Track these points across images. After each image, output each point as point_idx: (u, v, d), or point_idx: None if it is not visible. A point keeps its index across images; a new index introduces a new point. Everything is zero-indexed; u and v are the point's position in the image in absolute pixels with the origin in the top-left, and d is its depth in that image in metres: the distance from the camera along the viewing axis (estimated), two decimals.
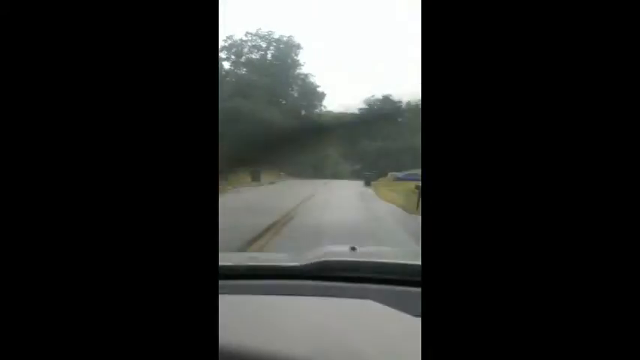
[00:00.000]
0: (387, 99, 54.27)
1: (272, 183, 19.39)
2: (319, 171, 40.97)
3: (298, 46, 40.74)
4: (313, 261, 1.02)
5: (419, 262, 0.84)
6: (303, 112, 42.80)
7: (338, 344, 0.64)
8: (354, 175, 47.56)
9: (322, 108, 45.10)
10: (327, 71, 63.00)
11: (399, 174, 28.09)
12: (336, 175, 41.18)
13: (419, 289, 0.67)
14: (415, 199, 12.20)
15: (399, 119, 54.78)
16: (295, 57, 41.11)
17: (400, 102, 54.11)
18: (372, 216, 9.87)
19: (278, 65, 39.69)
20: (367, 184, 23.53)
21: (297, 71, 41.96)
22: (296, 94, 43.13)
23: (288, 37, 40.21)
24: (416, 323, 0.60)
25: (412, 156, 43.85)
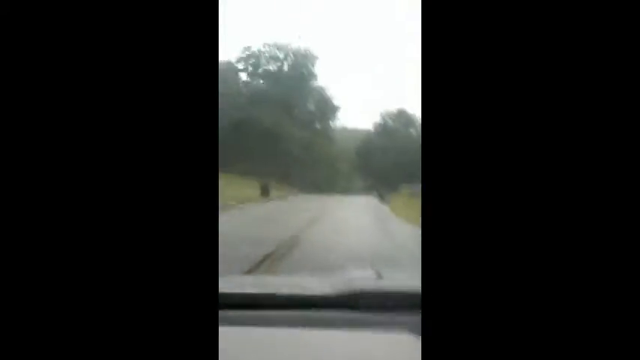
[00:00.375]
0: (401, 112, 53.92)
1: (282, 198, 18.67)
2: (330, 185, 40.52)
3: (315, 57, 40.53)
4: (342, 289, 0.90)
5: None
6: (317, 126, 42.43)
7: None
8: (366, 190, 47.08)
9: (337, 121, 44.79)
10: (342, 83, 62.79)
11: (417, 188, 27.37)
12: (348, 190, 40.62)
13: None
14: None
15: (413, 131, 54.38)
16: (312, 68, 40.85)
17: (414, 114, 54.08)
18: (392, 242, 8.17)
19: (294, 77, 39.43)
20: (381, 199, 22.83)
21: (313, 83, 41.68)
22: (311, 107, 42.78)
23: (305, 48, 40.09)
24: None
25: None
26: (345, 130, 51.67)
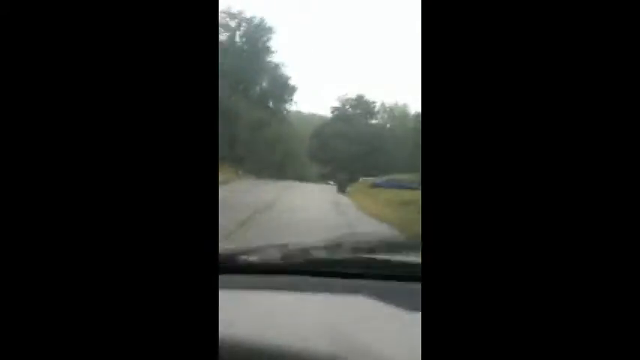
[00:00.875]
0: (360, 99, 50.98)
1: (224, 183, 15.13)
2: (282, 171, 37.10)
3: (270, 30, 36.60)
4: (299, 259, 0.99)
5: (406, 257, 1.00)
6: (271, 106, 38.70)
7: (350, 341, 0.63)
8: (322, 179, 44.10)
9: (292, 103, 41.20)
10: (299, 63, 59.08)
11: (378, 180, 24.58)
12: (302, 177, 37.38)
13: (407, 284, 0.82)
14: (412, 215, 8.70)
15: (373, 121, 51.97)
16: (266, 42, 36.94)
17: (374, 103, 51.29)
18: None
19: (247, 50, 35.42)
20: (341, 189, 19.51)
21: (268, 59, 37.78)
22: (265, 84, 38.94)
23: (261, 18, 35.99)
24: (409, 317, 0.67)
25: (386, 160, 41.02)
26: (300, 114, 48.40)
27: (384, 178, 25.39)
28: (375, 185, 23.74)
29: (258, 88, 38.43)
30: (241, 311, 0.74)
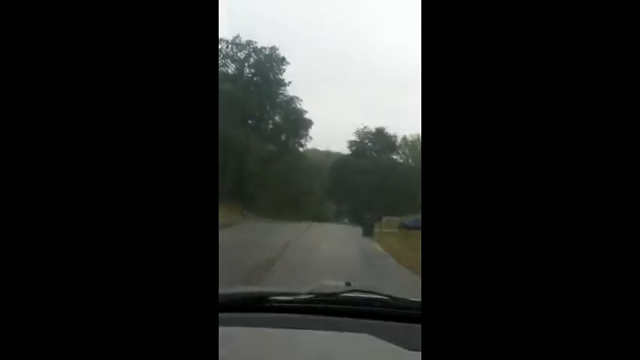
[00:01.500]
0: (380, 132, 48.22)
1: (225, 227, 11.91)
2: (296, 211, 34.05)
3: (283, 61, 34.36)
4: (309, 296, 1.03)
5: (412, 297, 1.03)
6: (284, 139, 35.97)
7: None
8: (341, 217, 40.81)
9: (308, 139, 38.36)
10: (315, 95, 56.86)
11: (408, 221, 21.23)
12: (319, 217, 34.14)
13: (412, 324, 0.86)
14: None
15: (394, 156, 48.94)
16: (279, 74, 34.65)
17: (395, 136, 48.37)
18: None
19: (257, 82, 33.11)
20: (367, 232, 15.90)
21: (281, 91, 35.37)
22: (277, 119, 36.37)
23: (272, 48, 33.80)
24: (411, 357, 0.72)
25: (409, 198, 37.66)
26: (316, 151, 45.52)
27: (413, 217, 21.94)
28: (404, 226, 20.26)
29: (270, 122, 35.86)
30: (245, 347, 0.78)
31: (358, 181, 38.96)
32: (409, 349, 0.75)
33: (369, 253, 10.67)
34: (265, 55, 33.59)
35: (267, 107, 34.29)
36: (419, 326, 0.58)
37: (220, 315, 0.60)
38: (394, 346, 0.77)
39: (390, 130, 44.78)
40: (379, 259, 9.84)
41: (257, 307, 0.99)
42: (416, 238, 12.69)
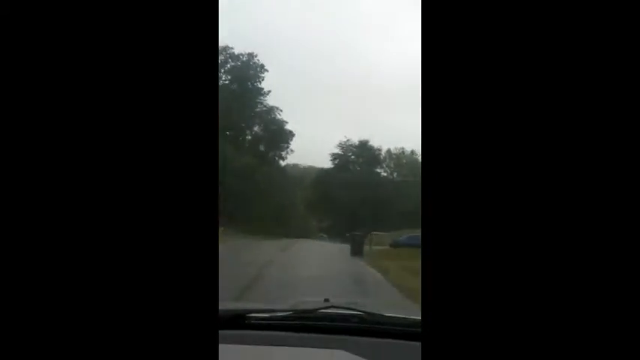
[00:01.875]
0: (364, 145, 46.60)
1: None
2: (279, 226, 32.00)
3: (262, 69, 32.76)
4: (286, 313, 1.04)
5: (386, 312, 1.05)
6: (263, 150, 34.10)
7: None
8: (326, 233, 38.91)
9: (289, 151, 36.50)
10: (296, 106, 55.01)
11: (402, 238, 19.36)
12: (302, 233, 32.26)
13: (386, 340, 0.91)
14: None
15: (379, 169, 47.43)
16: (258, 82, 32.97)
17: (379, 149, 46.72)
18: None
19: (235, 90, 31.32)
20: (357, 251, 13.99)
21: (259, 100, 33.64)
22: (257, 129, 34.57)
23: (250, 54, 32.16)
24: None
25: (395, 213, 36.02)
26: (297, 167, 43.71)
27: (404, 234, 20.19)
28: (395, 244, 18.48)
29: (248, 133, 34.03)
30: None
31: (342, 195, 37.23)
32: None
33: (360, 276, 8.78)
34: (243, 62, 31.96)
35: (245, 117, 32.46)
36: (394, 341, 0.67)
37: None
38: None
39: (374, 143, 43.44)
40: (372, 283, 8.00)
41: (235, 324, 0.99)
42: (410, 258, 10.76)
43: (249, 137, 34.12)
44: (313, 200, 38.97)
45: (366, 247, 14.99)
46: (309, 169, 44.86)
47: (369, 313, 1.03)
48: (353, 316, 1.01)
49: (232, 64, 31.72)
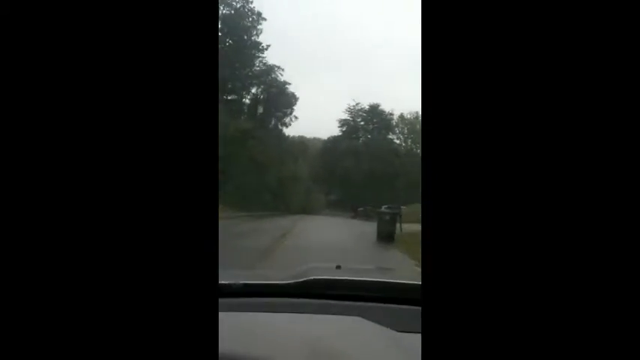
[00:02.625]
0: (374, 110, 41.91)
1: None
2: (280, 201, 27.01)
3: (259, 18, 28.30)
4: (300, 279, 1.04)
5: (397, 279, 1.11)
6: (263, 115, 30.06)
7: (332, 357, 0.69)
8: (333, 209, 35.20)
9: (293, 117, 32.34)
10: (300, 68, 50.21)
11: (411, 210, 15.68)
12: (307, 209, 28.59)
13: (399, 306, 0.91)
14: None
15: (391, 136, 43.26)
16: (255, 35, 28.60)
17: (391, 114, 40.16)
18: None
19: (229, 45, 27.02)
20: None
21: (258, 56, 29.34)
22: (256, 91, 30.43)
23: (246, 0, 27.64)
24: (400, 338, 0.75)
25: (411, 184, 32.20)
26: (303, 139, 39.40)
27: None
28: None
29: (245, 96, 29.90)
30: (236, 331, 0.79)
31: (351, 166, 33.36)
32: (398, 331, 0.78)
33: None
34: (236, 10, 27.52)
35: (242, 77, 28.24)
36: (407, 308, 0.67)
37: None
38: (383, 327, 0.80)
39: (386, 107, 39.21)
40: None
41: (248, 292, 1.01)
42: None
43: (247, 100, 30.02)
44: (319, 171, 35.08)
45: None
46: (315, 142, 40.70)
47: (381, 280, 1.07)
48: (366, 282, 1.04)
49: (224, 11, 27.27)
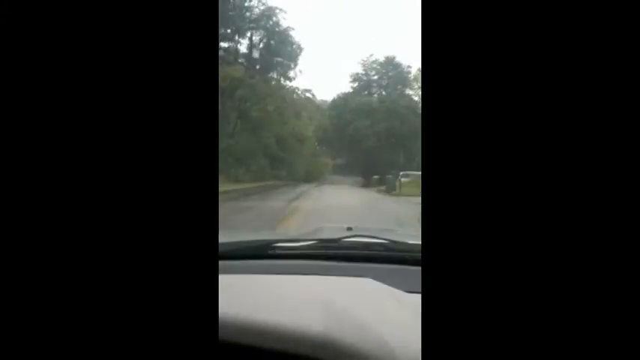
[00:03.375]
0: (390, 62, 37.54)
1: None
2: (280, 167, 23.07)
3: None
4: (311, 242, 1.06)
5: (408, 240, 1.07)
6: (259, 66, 25.89)
7: (344, 318, 0.68)
8: (343, 173, 31.57)
9: (297, 71, 28.04)
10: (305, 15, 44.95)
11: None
12: (311, 177, 25.00)
13: (408, 267, 0.92)
14: None
15: (409, 91, 38.88)
16: None
17: (410, 68, 37.93)
18: None
19: None
20: None
21: None
22: (255, 39, 26.06)
23: None
24: (410, 299, 0.74)
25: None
26: (310, 100, 35.14)
27: None
28: None
29: (241, 42, 25.61)
30: (248, 293, 0.80)
31: (363, 126, 29.42)
32: (408, 291, 0.78)
33: None
34: None
35: (236, 20, 23.85)
36: (418, 269, 0.63)
37: (221, 262, 0.63)
38: (394, 289, 0.80)
39: (402, 60, 34.66)
40: None
41: (258, 254, 1.00)
42: None
43: (245, 50, 25.78)
44: (327, 131, 31.16)
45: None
46: (323, 104, 36.35)
47: (393, 241, 1.05)
48: (376, 244, 1.03)
49: None
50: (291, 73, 27.21)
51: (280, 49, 25.75)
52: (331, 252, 1.00)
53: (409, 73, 34.56)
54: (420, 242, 0.68)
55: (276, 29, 25.59)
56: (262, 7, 25.27)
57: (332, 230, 1.20)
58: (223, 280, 0.58)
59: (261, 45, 25.88)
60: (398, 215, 7.92)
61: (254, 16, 25.19)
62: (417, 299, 0.57)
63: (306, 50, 28.00)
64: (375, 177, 22.29)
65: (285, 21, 26.09)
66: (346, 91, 34.12)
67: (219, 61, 19.97)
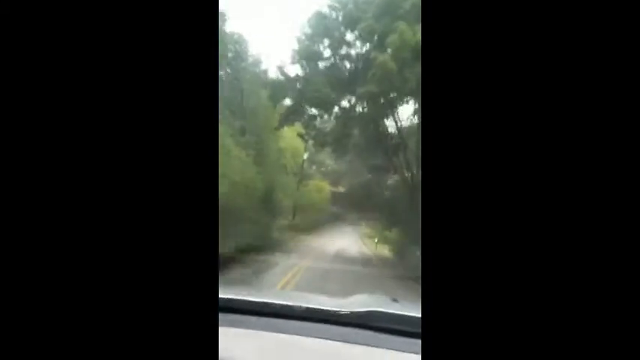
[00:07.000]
0: None
1: None
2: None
3: None
4: (361, 310, 1.04)
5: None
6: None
7: None
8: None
9: (249, 57, 20.81)
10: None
11: None
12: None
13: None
14: None
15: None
16: None
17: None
18: None
19: None
20: None
21: None
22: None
23: None
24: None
25: None
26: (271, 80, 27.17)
27: None
28: None
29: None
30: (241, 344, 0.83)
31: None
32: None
33: None
34: None
35: None
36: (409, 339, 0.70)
37: (249, 318, 0.78)
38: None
39: None
40: None
41: (305, 316, 1.01)
42: None
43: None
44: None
45: None
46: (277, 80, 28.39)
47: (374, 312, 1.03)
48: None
49: None
50: (244, 62, 19.81)
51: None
52: (381, 324, 0.98)
53: None
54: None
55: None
56: None
57: (379, 302, 1.13)
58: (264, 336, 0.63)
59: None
60: None
61: None
62: None
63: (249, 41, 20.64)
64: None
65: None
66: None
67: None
